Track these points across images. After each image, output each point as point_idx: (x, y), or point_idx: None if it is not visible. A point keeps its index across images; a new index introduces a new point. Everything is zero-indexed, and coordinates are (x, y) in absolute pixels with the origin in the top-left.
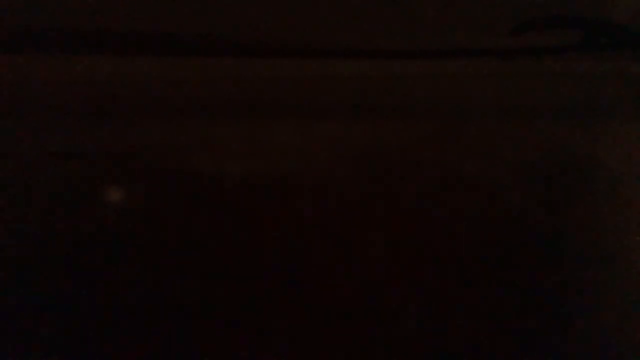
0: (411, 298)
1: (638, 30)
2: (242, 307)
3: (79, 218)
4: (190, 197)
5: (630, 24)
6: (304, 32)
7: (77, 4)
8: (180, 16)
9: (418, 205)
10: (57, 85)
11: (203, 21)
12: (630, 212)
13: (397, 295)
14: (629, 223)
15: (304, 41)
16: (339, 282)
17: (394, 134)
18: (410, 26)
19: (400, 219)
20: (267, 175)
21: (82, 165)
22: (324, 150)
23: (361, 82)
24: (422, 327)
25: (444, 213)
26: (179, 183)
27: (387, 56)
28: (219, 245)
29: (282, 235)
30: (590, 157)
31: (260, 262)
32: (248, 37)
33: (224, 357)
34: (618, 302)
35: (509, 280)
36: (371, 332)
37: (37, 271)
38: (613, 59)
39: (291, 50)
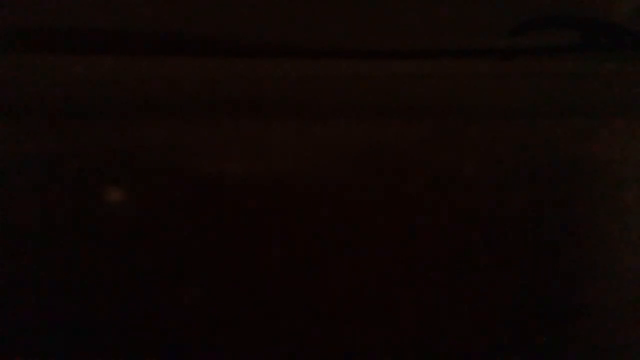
0: (411, 298)
1: (638, 30)
2: (243, 308)
3: (79, 218)
4: (190, 197)
5: (630, 24)
6: (304, 32)
7: (77, 4)
8: (181, 16)
9: (418, 205)
10: (57, 85)
11: (203, 21)
12: (630, 212)
13: (397, 295)
14: (629, 223)
15: (304, 41)
16: (339, 282)
17: (394, 134)
18: (411, 26)
19: (400, 218)
20: (266, 175)
21: (82, 165)
22: (324, 150)
23: (361, 82)
24: (422, 327)
25: (443, 213)
26: (179, 183)
27: (387, 56)
28: (219, 245)
29: (282, 235)
30: (590, 157)
31: (260, 261)
32: (248, 37)
33: (224, 357)
34: (618, 303)
35: (509, 280)
36: (372, 331)
37: (36, 271)
38: (613, 59)
39: (291, 50)
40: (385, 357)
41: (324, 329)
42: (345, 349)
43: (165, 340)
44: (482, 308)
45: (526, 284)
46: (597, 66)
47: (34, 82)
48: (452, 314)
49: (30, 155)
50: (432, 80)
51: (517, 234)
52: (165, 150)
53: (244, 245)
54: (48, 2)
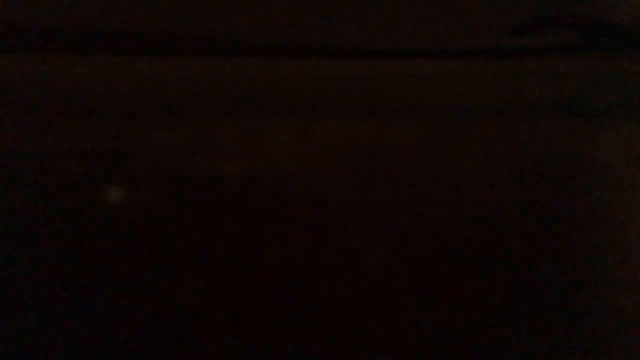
0: (411, 297)
1: (638, 30)
2: (242, 307)
3: (79, 218)
4: (190, 196)
5: (630, 24)
6: (303, 32)
7: (77, 4)
8: (180, 16)
9: (418, 204)
10: (57, 85)
11: (203, 21)
12: (630, 211)
13: (397, 294)
14: (628, 223)
15: (304, 41)
16: (339, 281)
17: (394, 134)
18: (411, 26)
19: (400, 218)
20: (266, 175)
21: (82, 165)
22: (324, 150)
23: (361, 82)
24: (422, 325)
25: (443, 213)
26: (178, 183)
27: (387, 56)
28: (219, 245)
29: (282, 234)
30: (590, 157)
31: (260, 261)
32: (248, 37)
33: (224, 358)
34: (618, 301)
35: (509, 279)
36: (372, 331)
37: (36, 271)
38: (613, 59)
39: (291, 50)
40: (386, 357)
41: (324, 328)
42: (346, 349)
43: (164, 341)
44: (482, 308)
45: (526, 283)
46: (597, 66)
47: (34, 82)
48: (453, 314)
49: (31, 155)
50: (432, 80)
51: (517, 233)
52: (165, 150)
53: (244, 244)
54: (48, 2)
